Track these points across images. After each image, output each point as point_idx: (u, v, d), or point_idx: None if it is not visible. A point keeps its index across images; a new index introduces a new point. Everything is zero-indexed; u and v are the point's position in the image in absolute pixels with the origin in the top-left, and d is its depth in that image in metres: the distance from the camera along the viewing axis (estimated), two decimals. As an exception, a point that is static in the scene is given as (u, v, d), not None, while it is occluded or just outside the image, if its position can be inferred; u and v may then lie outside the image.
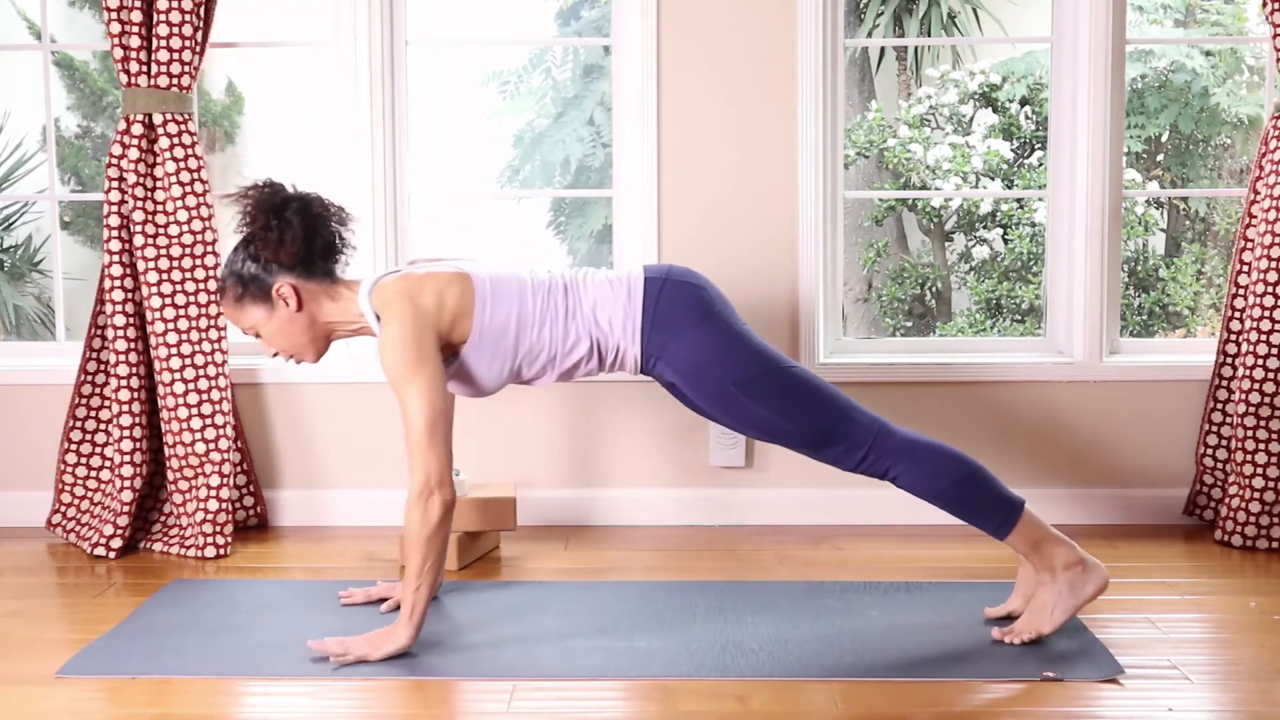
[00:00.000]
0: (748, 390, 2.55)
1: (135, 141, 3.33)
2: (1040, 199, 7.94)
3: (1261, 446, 3.33)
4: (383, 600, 2.84)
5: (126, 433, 3.34)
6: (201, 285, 3.37)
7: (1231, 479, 3.39)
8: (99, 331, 3.43)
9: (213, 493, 3.32)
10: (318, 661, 2.46)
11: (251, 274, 2.55)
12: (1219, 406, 3.47)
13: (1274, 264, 3.32)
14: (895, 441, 2.56)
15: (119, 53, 3.31)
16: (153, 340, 3.35)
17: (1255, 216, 3.39)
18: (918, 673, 2.41)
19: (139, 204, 3.34)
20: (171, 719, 2.24)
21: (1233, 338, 3.45)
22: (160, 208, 3.37)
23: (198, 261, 3.37)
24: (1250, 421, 3.33)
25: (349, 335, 2.65)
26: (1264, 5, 3.31)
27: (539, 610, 2.80)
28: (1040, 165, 8.11)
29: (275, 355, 2.64)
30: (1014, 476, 3.52)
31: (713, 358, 2.56)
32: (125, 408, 3.35)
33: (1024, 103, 8.36)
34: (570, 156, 10.57)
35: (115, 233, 3.37)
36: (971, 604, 2.79)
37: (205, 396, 3.36)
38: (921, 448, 2.56)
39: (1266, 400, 3.32)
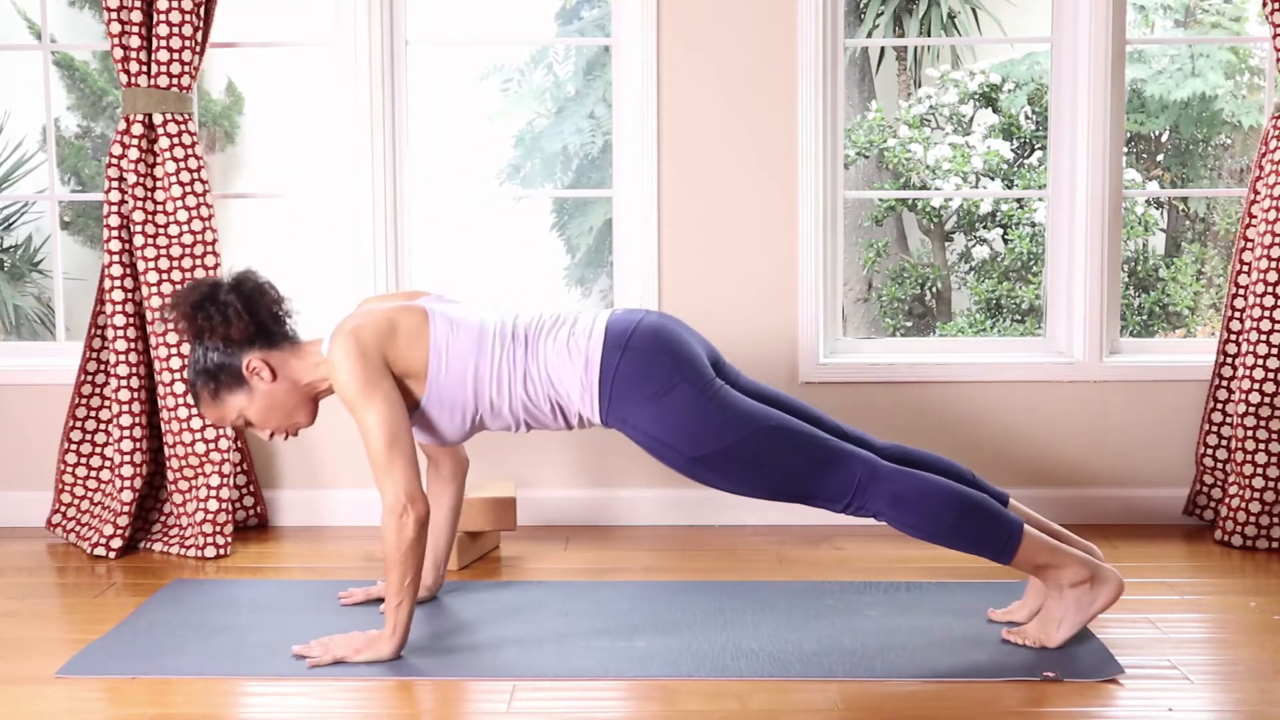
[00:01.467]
0: (708, 465, 2.48)
1: (135, 141, 3.33)
2: (1040, 199, 7.94)
3: (1261, 446, 3.33)
4: (382, 600, 2.83)
5: (126, 433, 3.34)
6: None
7: (1231, 479, 3.39)
8: (99, 331, 3.43)
9: (213, 493, 3.32)
10: (303, 661, 2.47)
11: (217, 363, 2.52)
12: (1219, 406, 3.47)
13: (1274, 264, 3.32)
14: (879, 488, 2.46)
15: (119, 53, 3.31)
16: (153, 340, 3.35)
17: (1255, 216, 3.39)
18: (917, 673, 2.41)
19: (139, 204, 3.34)
20: (171, 719, 2.24)
21: (1233, 338, 3.45)
22: (160, 208, 3.37)
23: (198, 261, 3.37)
24: (1250, 421, 3.33)
25: (329, 392, 2.60)
26: (1264, 5, 3.31)
27: (539, 610, 2.80)
28: (1040, 165, 8.10)
29: (272, 437, 2.61)
30: (1014, 477, 3.52)
31: (673, 434, 2.47)
32: (125, 408, 3.35)
33: (1026, 102, 8.37)
34: (570, 150, 10.56)
35: (115, 233, 3.37)
36: (971, 604, 2.79)
37: (205, 396, 3.36)
38: (906, 497, 2.45)
39: (1266, 400, 3.32)
